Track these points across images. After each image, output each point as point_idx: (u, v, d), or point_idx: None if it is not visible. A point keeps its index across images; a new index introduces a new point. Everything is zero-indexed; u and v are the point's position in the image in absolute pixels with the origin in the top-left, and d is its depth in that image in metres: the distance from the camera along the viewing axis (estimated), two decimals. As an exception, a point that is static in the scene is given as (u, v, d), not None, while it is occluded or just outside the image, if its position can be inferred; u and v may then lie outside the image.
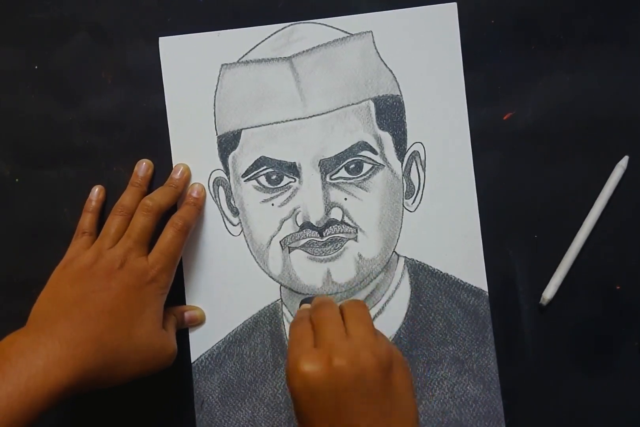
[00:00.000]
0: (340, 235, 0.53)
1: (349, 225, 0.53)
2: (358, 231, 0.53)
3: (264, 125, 0.53)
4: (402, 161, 0.54)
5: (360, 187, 0.53)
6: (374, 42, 0.54)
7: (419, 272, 0.53)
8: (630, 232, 0.53)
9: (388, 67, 0.54)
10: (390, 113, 0.53)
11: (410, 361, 0.52)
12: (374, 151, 0.53)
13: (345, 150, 0.53)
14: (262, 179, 0.54)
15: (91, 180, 0.55)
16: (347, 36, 0.54)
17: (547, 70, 0.54)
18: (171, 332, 0.50)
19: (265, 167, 0.53)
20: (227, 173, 0.54)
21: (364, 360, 0.41)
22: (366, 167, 0.53)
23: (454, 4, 0.54)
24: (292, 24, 0.54)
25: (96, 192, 0.54)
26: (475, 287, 0.53)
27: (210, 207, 0.54)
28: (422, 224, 0.53)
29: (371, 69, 0.53)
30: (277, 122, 0.53)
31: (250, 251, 0.54)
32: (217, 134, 0.54)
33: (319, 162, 0.53)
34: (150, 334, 0.47)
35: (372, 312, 0.53)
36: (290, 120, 0.53)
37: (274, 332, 0.54)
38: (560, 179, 0.53)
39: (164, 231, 0.51)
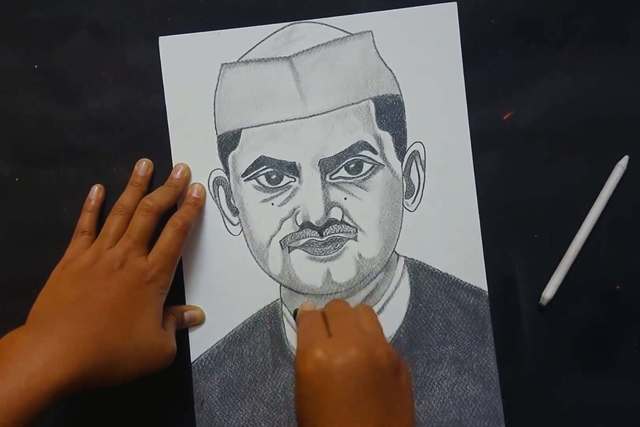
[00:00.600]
0: (340, 235, 0.53)
1: (349, 225, 0.53)
2: (358, 230, 0.53)
3: (263, 124, 0.53)
4: (402, 161, 0.54)
5: (360, 187, 0.53)
6: (373, 42, 0.54)
7: (419, 272, 0.53)
8: (630, 232, 0.53)
9: (388, 67, 0.54)
10: (390, 113, 0.53)
11: (410, 361, 0.53)
12: (373, 151, 0.53)
13: (345, 150, 0.53)
14: (262, 179, 0.54)
15: (91, 180, 0.55)
16: (347, 36, 0.54)
17: (547, 70, 0.54)
18: (171, 332, 0.50)
19: (265, 166, 0.53)
20: (227, 173, 0.54)
21: (379, 355, 0.43)
22: (366, 166, 0.53)
23: (454, 4, 0.54)
24: (292, 24, 0.54)
25: (95, 191, 0.54)
26: (475, 287, 0.53)
27: (210, 206, 0.54)
28: (422, 224, 0.53)
29: (371, 69, 0.53)
30: (277, 122, 0.53)
31: (250, 250, 0.54)
32: (217, 134, 0.54)
33: (319, 162, 0.53)
34: (150, 333, 0.47)
35: (372, 312, 0.53)
36: (290, 119, 0.53)
37: (273, 332, 0.54)
38: (560, 179, 0.53)
39: (164, 231, 0.51)
